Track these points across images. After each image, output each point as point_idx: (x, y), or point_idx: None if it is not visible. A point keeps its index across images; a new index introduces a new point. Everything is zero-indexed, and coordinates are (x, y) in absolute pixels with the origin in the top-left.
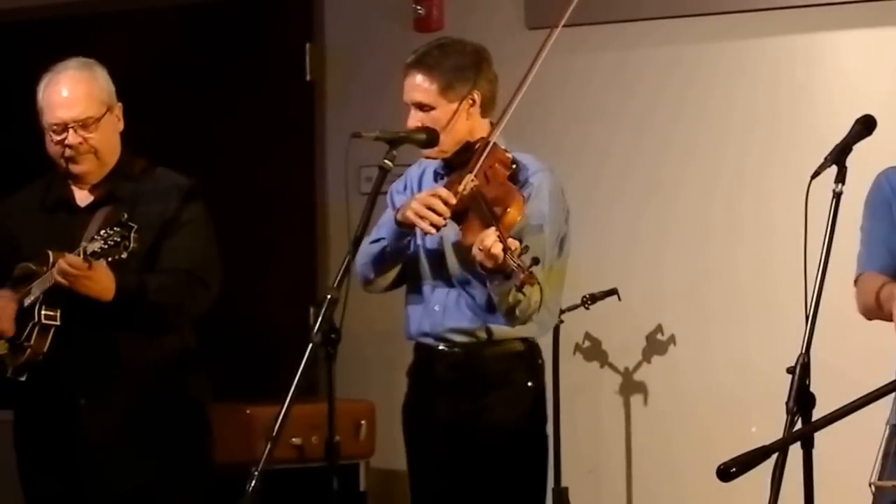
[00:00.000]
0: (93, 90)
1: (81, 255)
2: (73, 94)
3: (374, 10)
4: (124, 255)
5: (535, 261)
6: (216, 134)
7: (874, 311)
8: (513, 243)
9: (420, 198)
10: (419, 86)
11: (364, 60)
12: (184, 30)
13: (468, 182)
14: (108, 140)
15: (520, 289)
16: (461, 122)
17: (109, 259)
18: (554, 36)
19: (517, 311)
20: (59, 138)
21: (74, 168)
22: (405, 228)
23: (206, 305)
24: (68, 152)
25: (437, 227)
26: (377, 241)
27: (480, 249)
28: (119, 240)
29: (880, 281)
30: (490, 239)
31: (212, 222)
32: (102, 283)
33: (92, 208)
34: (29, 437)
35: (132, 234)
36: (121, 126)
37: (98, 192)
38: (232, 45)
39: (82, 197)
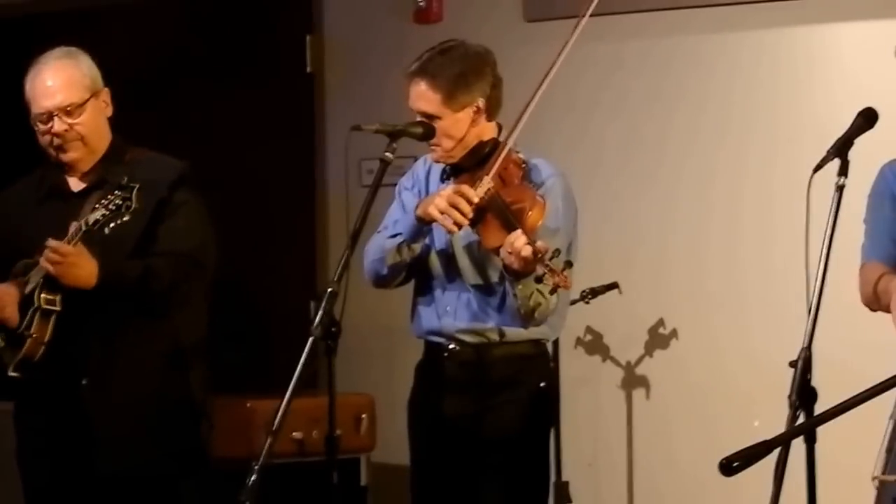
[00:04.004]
0: (74, 77)
1: (83, 227)
2: (55, 83)
3: (374, 2)
4: (127, 218)
5: (569, 263)
6: (216, 126)
7: (873, 302)
8: (543, 246)
9: (444, 195)
10: (423, 95)
11: (364, 52)
12: (184, 22)
13: (486, 185)
14: (94, 126)
15: (553, 291)
16: (468, 129)
17: (112, 224)
18: (573, 39)
19: (536, 314)
20: (45, 127)
21: (64, 156)
22: (424, 224)
23: (202, 284)
24: (56, 141)
25: (460, 226)
26: (394, 236)
27: (510, 252)
28: (121, 202)
29: (879, 271)
30: (520, 241)
31: (203, 202)
32: (86, 268)
33: (84, 194)
34: (30, 423)
35: (134, 194)
36: (109, 111)
37: (90, 178)
38: (232, 37)
39: (75, 185)
